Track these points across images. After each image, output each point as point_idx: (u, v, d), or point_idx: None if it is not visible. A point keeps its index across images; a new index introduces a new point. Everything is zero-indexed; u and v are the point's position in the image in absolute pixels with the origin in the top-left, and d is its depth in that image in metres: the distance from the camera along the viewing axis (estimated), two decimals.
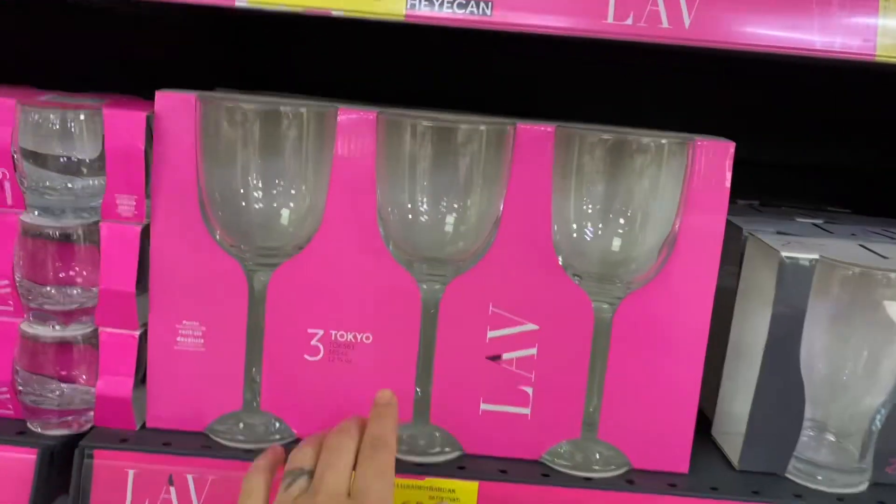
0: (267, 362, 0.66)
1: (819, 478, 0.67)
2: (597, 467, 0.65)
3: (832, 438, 0.69)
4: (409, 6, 0.56)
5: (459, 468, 0.65)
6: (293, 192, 0.63)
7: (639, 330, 0.65)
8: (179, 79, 0.68)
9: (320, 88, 0.82)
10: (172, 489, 0.63)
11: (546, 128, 0.63)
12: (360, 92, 0.79)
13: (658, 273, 0.64)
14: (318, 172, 0.63)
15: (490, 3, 0.56)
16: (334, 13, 0.56)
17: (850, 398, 0.66)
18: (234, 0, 0.56)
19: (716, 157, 0.63)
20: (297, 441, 0.67)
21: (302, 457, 0.55)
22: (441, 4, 0.56)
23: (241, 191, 0.62)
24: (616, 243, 0.62)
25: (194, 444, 0.65)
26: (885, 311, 0.63)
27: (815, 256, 0.64)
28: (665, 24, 0.55)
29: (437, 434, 0.67)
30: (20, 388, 0.65)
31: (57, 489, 0.64)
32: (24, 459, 0.63)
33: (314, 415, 0.67)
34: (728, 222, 0.75)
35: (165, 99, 0.63)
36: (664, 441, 0.67)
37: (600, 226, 0.62)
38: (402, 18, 0.56)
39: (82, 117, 0.61)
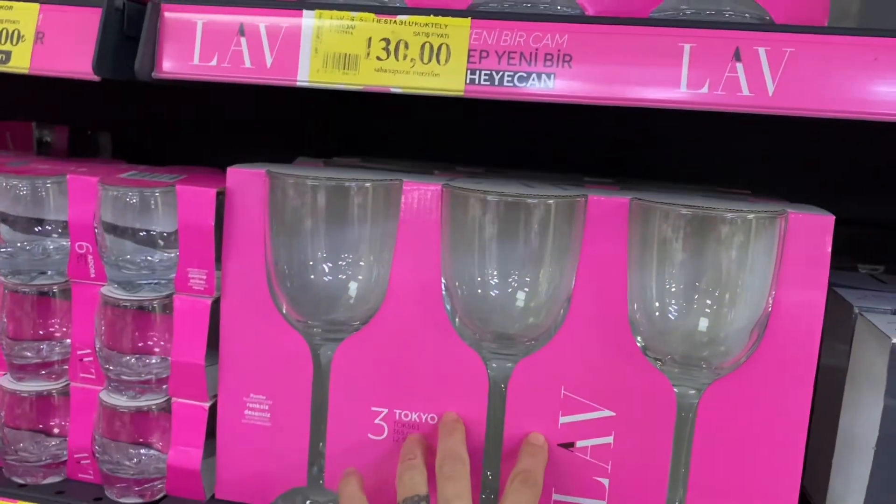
0: (331, 439, 0.64)
1: None
2: None
3: None
4: (468, 81, 0.54)
5: None
6: (361, 264, 0.62)
7: (727, 421, 0.59)
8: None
9: (408, 150, 0.81)
10: None
11: (620, 200, 0.59)
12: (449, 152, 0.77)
13: (749, 357, 0.58)
14: (383, 245, 0.62)
15: (552, 76, 0.53)
16: (393, 90, 0.55)
17: None
18: (295, 79, 0.56)
19: (813, 230, 0.57)
20: None
21: (414, 484, 0.56)
22: (501, 80, 0.53)
23: (310, 263, 0.61)
24: (702, 323, 0.57)
25: None
26: None
27: None
28: (746, 93, 0.50)
29: None
30: (98, 455, 0.66)
31: None
32: None
33: (377, 495, 0.64)
34: (838, 297, 0.68)
35: (236, 175, 0.63)
36: None
37: (684, 304, 0.57)
38: (461, 94, 0.54)
39: (157, 194, 0.63)
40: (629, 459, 0.61)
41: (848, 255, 0.71)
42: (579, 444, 0.61)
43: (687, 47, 0.51)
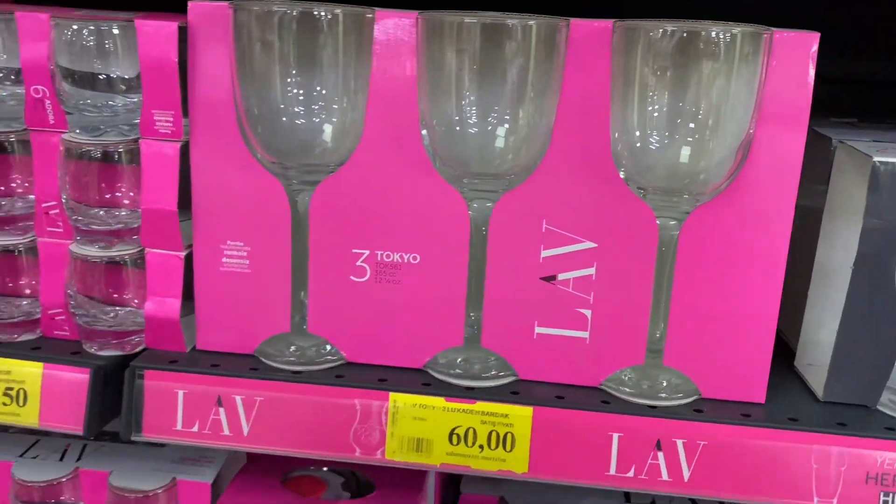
0: (313, 283, 0.64)
1: None
2: (663, 395, 0.61)
3: None
4: None
5: (513, 393, 0.61)
6: (335, 105, 0.59)
7: (709, 247, 0.59)
8: None
9: None
10: (221, 410, 0.62)
11: (603, 23, 0.57)
12: None
13: (730, 183, 0.58)
14: (356, 80, 0.59)
15: None
16: None
17: None
18: None
19: (796, 50, 0.56)
20: (346, 364, 0.65)
21: None
22: None
23: (280, 105, 0.59)
24: (685, 151, 0.56)
25: (243, 366, 0.64)
26: None
27: None
28: None
29: (490, 358, 0.63)
30: (73, 310, 0.65)
31: (111, 410, 0.65)
32: (78, 379, 0.63)
33: (364, 338, 0.65)
34: (816, 134, 0.68)
35: (198, 9, 0.60)
36: (737, 369, 0.61)
37: (666, 133, 0.56)
38: None
39: (115, 30, 0.59)
40: (611, 290, 0.61)
41: (821, 112, 0.70)
42: (561, 276, 0.61)
43: None
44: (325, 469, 0.80)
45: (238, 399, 0.62)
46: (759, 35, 0.54)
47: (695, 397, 0.61)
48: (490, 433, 0.60)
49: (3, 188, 0.65)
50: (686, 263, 0.60)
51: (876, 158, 0.56)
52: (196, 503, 0.73)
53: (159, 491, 0.73)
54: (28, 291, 0.68)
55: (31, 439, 0.79)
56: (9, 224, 0.66)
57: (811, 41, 0.56)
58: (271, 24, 0.56)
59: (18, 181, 0.65)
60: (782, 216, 0.58)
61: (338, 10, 0.57)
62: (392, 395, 0.61)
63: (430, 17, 0.57)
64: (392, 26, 0.59)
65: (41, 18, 0.60)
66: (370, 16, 0.59)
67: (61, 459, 0.76)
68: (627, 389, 0.61)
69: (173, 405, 0.63)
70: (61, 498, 0.74)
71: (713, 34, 0.53)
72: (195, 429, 0.63)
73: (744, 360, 0.61)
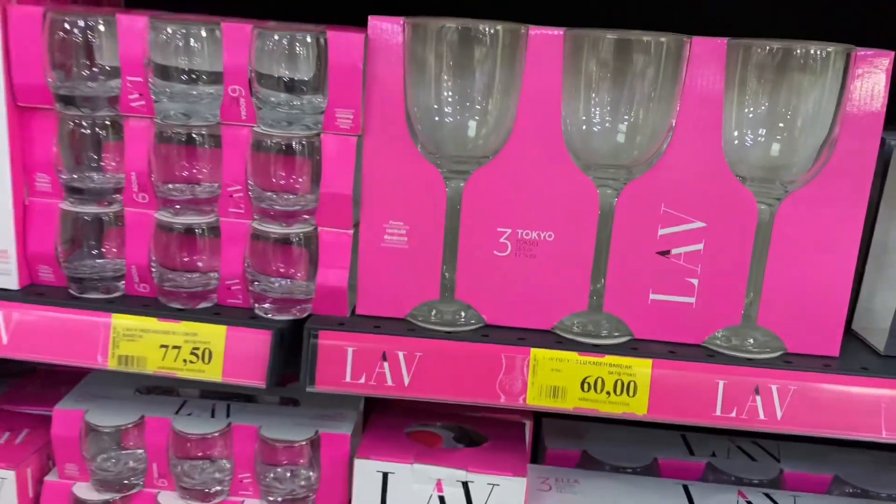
0: (461, 257, 0.75)
1: None
2: (755, 350, 0.73)
3: None
4: None
5: (632, 349, 0.74)
6: (488, 107, 0.71)
7: (797, 228, 0.72)
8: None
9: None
10: (386, 364, 0.73)
11: (718, 41, 0.70)
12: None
13: (817, 175, 0.71)
14: (509, 88, 0.71)
15: None
16: None
17: None
18: None
19: (875, 65, 0.69)
20: (486, 326, 0.76)
21: None
22: None
23: (435, 107, 0.70)
24: (776, 148, 0.69)
25: (401, 327, 0.75)
26: None
27: None
28: None
29: (611, 321, 0.75)
30: (250, 278, 0.75)
31: (285, 366, 0.75)
32: (261, 338, 0.74)
33: (502, 304, 0.76)
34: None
35: (377, 22, 0.71)
36: (818, 327, 0.74)
37: (762, 132, 0.69)
38: None
39: (308, 39, 0.70)
40: (716, 263, 0.74)
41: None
42: (674, 251, 0.74)
43: None
44: (438, 426, 0.91)
45: (401, 354, 0.73)
46: (847, 53, 0.68)
47: (781, 352, 0.74)
48: (616, 382, 0.72)
49: (188, 175, 0.75)
50: (778, 241, 0.73)
51: None
52: (337, 451, 0.83)
53: (304, 442, 0.83)
54: (202, 265, 0.77)
55: (179, 401, 0.89)
56: (198, 205, 0.76)
57: (887, 57, 0.69)
58: (436, 38, 0.68)
59: (205, 169, 0.75)
60: (858, 204, 0.72)
61: (499, 27, 0.68)
62: (532, 350, 0.73)
63: (573, 32, 0.69)
64: (543, 39, 0.71)
65: (245, 29, 0.70)
66: (524, 31, 0.71)
67: (213, 416, 0.86)
68: (726, 345, 0.74)
69: (343, 360, 0.73)
70: (214, 450, 0.84)
71: (809, 51, 0.66)
72: (362, 380, 0.74)
73: (822, 321, 0.74)
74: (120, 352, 0.75)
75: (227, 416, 0.86)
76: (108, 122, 0.75)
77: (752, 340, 0.74)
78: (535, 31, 0.71)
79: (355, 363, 0.73)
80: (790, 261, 0.73)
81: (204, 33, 0.71)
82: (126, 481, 0.86)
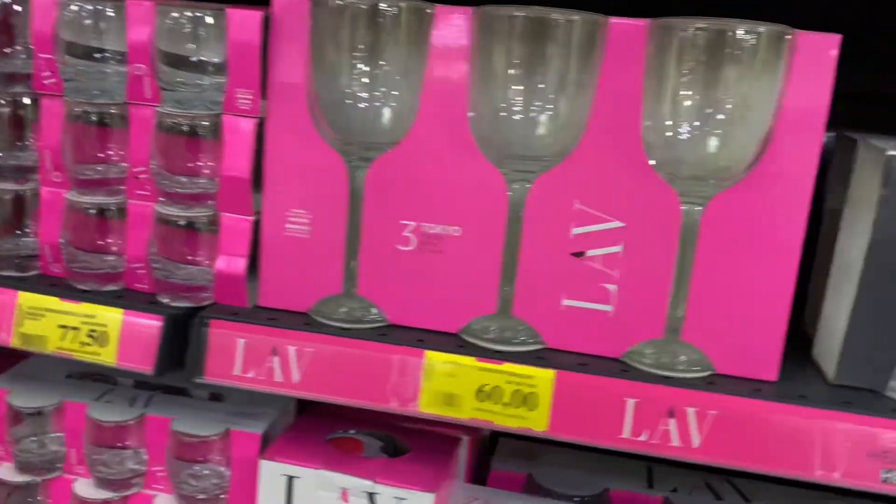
0: (364, 250, 0.71)
1: None
2: (679, 368, 0.65)
3: None
4: None
5: (539, 358, 0.67)
6: (395, 91, 0.67)
7: (729, 231, 0.64)
8: None
9: None
10: (276, 359, 0.69)
11: (638, 22, 0.63)
12: None
13: (751, 171, 0.62)
14: (414, 69, 0.67)
15: None
16: None
17: None
18: None
19: (818, 50, 0.61)
20: (389, 326, 0.71)
21: None
22: None
23: (346, 90, 0.66)
24: (711, 141, 0.61)
25: (298, 321, 0.71)
26: None
27: None
28: None
29: (520, 326, 0.69)
30: (153, 262, 0.73)
31: (180, 355, 0.73)
32: (153, 325, 0.72)
33: (407, 302, 0.71)
34: (844, 137, 0.72)
35: (282, 1, 0.68)
36: (751, 347, 0.65)
37: (696, 124, 0.61)
38: None
39: (209, 19, 0.68)
40: (636, 268, 0.66)
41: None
42: (590, 253, 0.67)
43: None
44: (365, 433, 0.86)
45: (291, 350, 0.69)
46: (782, 35, 0.60)
47: (710, 372, 0.66)
48: (515, 392, 0.66)
49: (101, 155, 0.74)
50: (707, 246, 0.65)
51: (889, 152, 0.61)
52: (247, 451, 0.80)
53: (214, 437, 0.80)
54: (115, 248, 0.76)
55: (105, 388, 0.88)
56: (103, 186, 0.75)
57: (832, 42, 0.61)
58: (343, 18, 0.64)
59: (114, 149, 0.74)
60: (799, 205, 0.63)
61: (402, 4, 0.64)
62: (427, 352, 0.67)
63: (483, 11, 0.64)
64: (451, 19, 0.66)
65: (146, 6, 0.69)
66: (430, 11, 0.66)
67: (131, 406, 0.84)
68: (646, 361, 0.66)
69: (233, 352, 0.70)
70: (128, 440, 0.82)
71: (739, 33, 0.59)
72: (251, 374, 0.70)
73: (757, 339, 0.65)
74: (23, 329, 0.74)
75: (146, 406, 0.84)
76: (26, 101, 0.75)
77: (675, 357, 0.66)
78: (442, 10, 0.66)
79: (246, 356, 0.70)
80: (721, 268, 0.65)
81: (110, 11, 0.70)
82: (47, 466, 0.85)
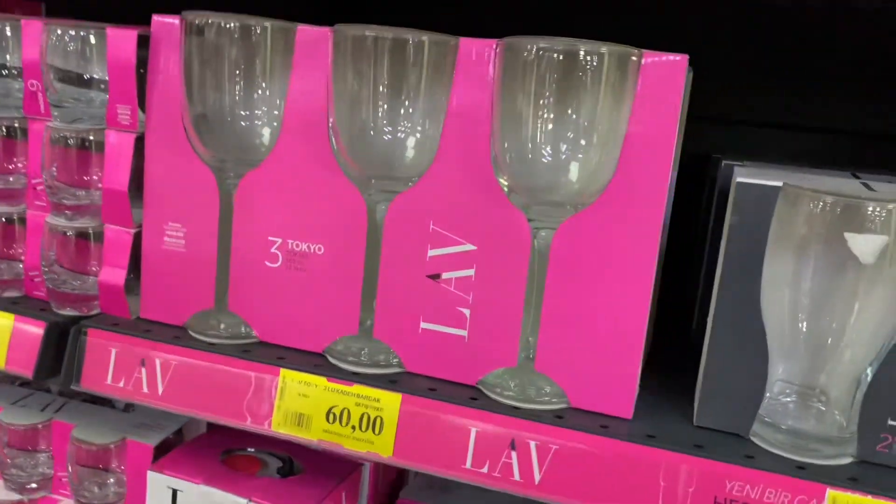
0: (234, 266, 0.71)
1: (784, 443, 0.58)
2: (531, 398, 0.62)
3: (812, 402, 0.60)
4: None
5: (391, 381, 0.65)
6: (275, 111, 0.67)
7: (579, 256, 0.61)
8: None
9: None
10: (144, 370, 0.70)
11: (487, 42, 0.62)
12: None
13: (599, 196, 0.60)
14: (280, 87, 0.67)
15: None
16: None
17: (824, 353, 0.57)
18: None
19: (666, 72, 0.58)
20: (258, 343, 0.71)
21: None
22: None
23: (228, 108, 0.67)
24: (557, 162, 0.59)
25: (170, 334, 0.72)
26: (862, 247, 0.54)
27: (777, 183, 0.56)
28: None
29: (380, 349, 0.68)
30: (45, 273, 0.76)
31: (61, 362, 0.74)
32: (36, 332, 0.74)
33: (274, 319, 0.71)
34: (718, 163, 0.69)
35: (158, 22, 0.70)
36: (605, 381, 0.62)
37: (544, 145, 0.59)
38: None
39: (92, 37, 0.70)
40: (488, 292, 0.64)
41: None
42: (445, 275, 0.65)
43: None
44: (266, 451, 0.86)
45: (157, 361, 0.70)
46: (627, 55, 0.57)
47: (562, 405, 0.63)
48: (362, 415, 0.64)
49: (10, 166, 0.78)
50: (558, 271, 0.62)
51: (738, 179, 0.57)
52: (140, 461, 0.81)
53: (110, 446, 0.81)
54: (16, 256, 0.79)
55: (26, 392, 0.91)
56: (10, 198, 0.78)
57: (680, 65, 0.58)
58: (211, 36, 0.65)
59: (21, 161, 0.77)
60: (649, 231, 0.60)
61: (267, 24, 0.65)
62: (282, 371, 0.67)
63: (341, 31, 0.64)
64: (313, 38, 0.66)
65: (37, 25, 0.72)
66: (293, 30, 0.67)
67: (42, 411, 0.86)
68: (497, 390, 0.64)
69: (107, 361, 0.71)
70: (38, 444, 0.85)
71: (582, 53, 0.56)
72: (122, 384, 0.71)
73: (611, 372, 0.62)
74: None
75: (57, 411, 0.87)
76: None
77: (525, 387, 0.63)
78: (304, 28, 0.67)
79: (117, 365, 0.71)
80: (572, 296, 0.62)
81: (8, 30, 0.74)
82: None
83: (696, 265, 0.93)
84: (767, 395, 0.60)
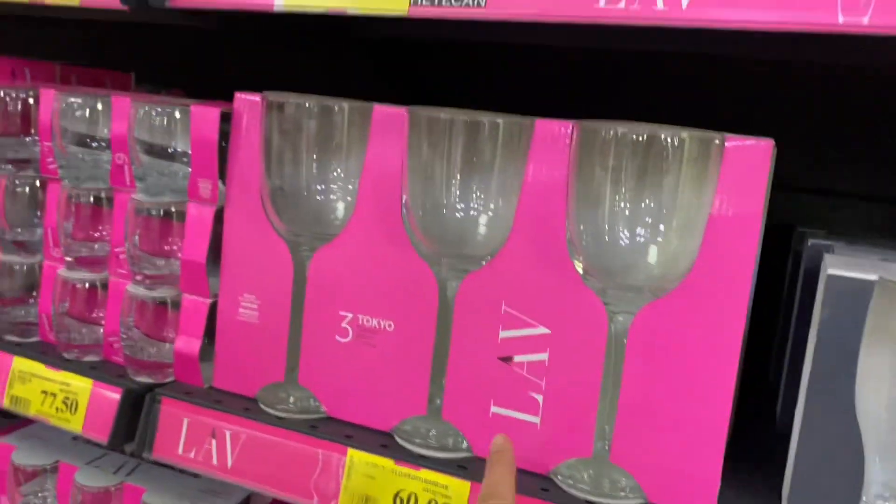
0: (305, 339, 0.71)
1: None
2: (605, 492, 0.60)
3: None
4: (412, 2, 0.59)
5: (461, 467, 0.64)
6: (349, 186, 0.68)
7: (659, 344, 0.59)
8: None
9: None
10: (213, 441, 0.71)
11: (565, 123, 0.61)
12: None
13: (681, 282, 0.58)
14: (358, 168, 0.68)
15: None
16: (349, 11, 0.61)
17: None
18: (272, 5, 0.64)
19: (752, 156, 0.56)
20: (326, 418, 0.71)
21: None
22: (440, 1, 0.58)
23: (304, 182, 0.68)
24: (637, 248, 0.57)
25: (240, 405, 0.72)
26: None
27: (872, 277, 0.53)
28: (660, 6, 0.51)
29: (448, 430, 0.66)
30: (123, 340, 0.77)
31: (135, 430, 0.75)
32: (113, 398, 0.75)
33: (342, 394, 0.70)
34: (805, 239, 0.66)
35: (241, 100, 0.72)
36: (685, 476, 0.59)
37: (622, 230, 0.57)
38: (405, 14, 0.59)
39: (177, 114, 0.73)
40: (563, 378, 0.62)
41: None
42: (517, 358, 0.64)
43: None
44: None
45: (227, 433, 0.70)
46: (709, 140, 0.55)
47: (639, 501, 0.60)
48: (430, 501, 0.63)
49: (95, 234, 0.80)
50: (636, 358, 0.60)
51: (830, 271, 0.54)
52: None
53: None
54: (97, 321, 0.81)
55: (101, 452, 0.93)
56: (94, 264, 0.81)
57: (766, 149, 0.56)
58: (290, 115, 0.66)
59: (101, 230, 0.80)
60: (733, 320, 0.57)
61: (345, 104, 0.66)
62: (350, 450, 0.66)
63: (417, 113, 0.64)
64: (387, 118, 0.67)
65: (126, 101, 0.75)
66: (370, 109, 0.67)
67: (115, 473, 0.88)
68: (570, 482, 0.61)
69: (179, 431, 0.72)
70: None
71: (663, 138, 0.55)
72: (192, 455, 0.71)
73: (692, 467, 0.59)
74: (13, 392, 0.80)
75: (129, 474, 0.88)
76: (37, 183, 0.83)
77: (599, 480, 0.60)
78: (381, 108, 0.67)
79: (188, 436, 0.72)
80: (651, 384, 0.59)
81: (100, 105, 0.77)
82: None
83: (780, 345, 0.89)
84: (864, 498, 0.55)
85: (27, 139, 0.83)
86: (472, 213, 0.62)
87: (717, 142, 0.56)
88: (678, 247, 0.57)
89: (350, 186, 0.68)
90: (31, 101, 0.81)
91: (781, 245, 0.93)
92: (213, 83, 1.06)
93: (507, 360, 0.64)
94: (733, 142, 0.56)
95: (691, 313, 0.58)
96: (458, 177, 0.62)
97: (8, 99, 0.81)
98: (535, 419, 0.63)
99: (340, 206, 0.69)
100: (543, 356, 0.63)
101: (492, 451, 0.56)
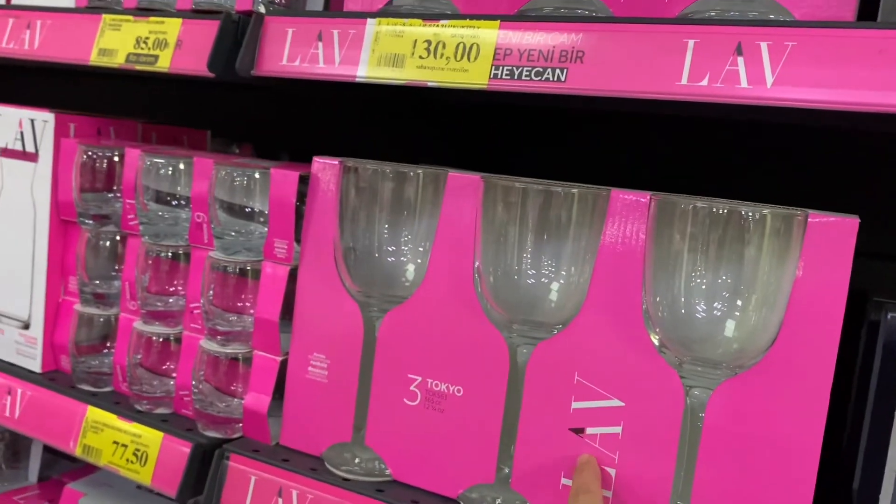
0: (374, 401, 0.72)
1: None
2: None
3: None
4: (492, 76, 0.60)
5: None
6: (420, 249, 0.69)
7: (737, 421, 0.58)
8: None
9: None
10: (280, 500, 0.71)
11: (642, 193, 0.61)
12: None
13: (760, 359, 0.57)
14: (429, 231, 0.69)
15: (565, 71, 0.57)
16: (430, 84, 0.62)
17: None
18: (354, 74, 0.66)
19: (837, 233, 0.55)
20: (391, 482, 0.71)
21: None
22: (520, 75, 0.59)
23: (377, 244, 0.69)
24: (716, 322, 0.57)
25: (307, 465, 0.72)
26: None
27: None
28: (744, 84, 0.51)
29: (516, 500, 0.65)
30: (194, 391, 0.79)
31: (203, 484, 0.76)
32: (183, 451, 0.76)
33: (409, 458, 0.70)
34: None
35: (318, 163, 0.74)
36: None
37: (699, 303, 0.57)
38: (485, 87, 0.60)
39: (257, 175, 0.75)
40: (636, 453, 0.61)
41: None
42: (589, 430, 0.63)
43: (690, 43, 0.53)
44: None
45: (294, 493, 0.70)
46: (791, 217, 0.55)
47: None
48: None
49: (171, 289, 0.83)
50: (714, 436, 0.58)
51: (891, 314, 0.52)
52: None
53: None
54: (163, 372, 0.83)
55: (166, 503, 0.94)
56: (168, 318, 0.83)
57: (851, 227, 0.55)
58: (366, 180, 0.68)
59: (181, 285, 0.82)
60: (816, 400, 0.56)
61: (419, 171, 0.67)
62: None
63: (491, 181, 0.65)
64: (458, 185, 0.68)
65: (208, 163, 0.78)
66: (444, 175, 0.69)
67: None
68: None
69: (246, 489, 0.73)
70: None
71: (745, 213, 0.55)
72: None
73: None
74: (86, 441, 0.82)
75: None
76: (117, 238, 0.86)
77: None
78: (454, 175, 0.68)
79: (255, 494, 0.72)
80: (728, 465, 0.58)
81: (181, 165, 0.80)
82: None
83: (857, 415, 0.86)
84: None
85: (110, 195, 0.86)
86: (543, 279, 0.63)
87: (798, 218, 0.55)
88: (756, 323, 0.56)
89: (421, 249, 0.69)
90: (116, 159, 0.85)
91: (855, 313, 0.90)
92: (281, 139, 1.09)
93: (579, 431, 0.63)
94: (818, 218, 0.56)
95: (771, 390, 0.57)
96: (531, 244, 0.62)
97: (95, 157, 0.85)
98: (608, 493, 0.62)
99: (411, 269, 0.70)
100: (617, 429, 0.62)
101: (579, 463, 0.62)
